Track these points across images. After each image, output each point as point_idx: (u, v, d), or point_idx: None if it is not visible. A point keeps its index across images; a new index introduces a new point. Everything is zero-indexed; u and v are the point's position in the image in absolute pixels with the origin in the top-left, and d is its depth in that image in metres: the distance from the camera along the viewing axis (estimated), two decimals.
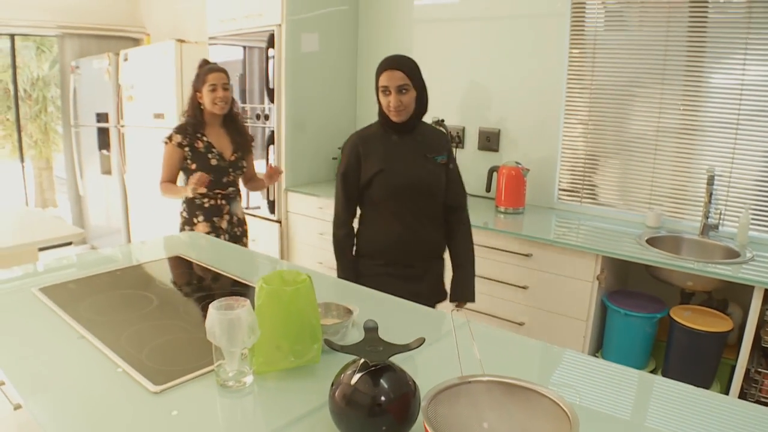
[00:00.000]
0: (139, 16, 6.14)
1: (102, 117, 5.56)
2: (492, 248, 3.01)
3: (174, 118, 4.55)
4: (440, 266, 2.45)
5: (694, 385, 2.63)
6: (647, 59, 3.13)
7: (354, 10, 4.18)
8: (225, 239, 2.94)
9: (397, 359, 1.07)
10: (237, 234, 3.06)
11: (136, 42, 6.13)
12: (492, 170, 3.54)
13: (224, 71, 2.87)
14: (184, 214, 2.98)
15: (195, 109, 2.88)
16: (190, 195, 2.79)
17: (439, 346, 1.50)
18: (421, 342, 1.07)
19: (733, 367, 2.52)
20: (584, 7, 3.31)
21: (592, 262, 2.72)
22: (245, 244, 3.14)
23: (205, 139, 2.89)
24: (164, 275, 2.04)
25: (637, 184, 3.30)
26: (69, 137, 6.16)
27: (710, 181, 2.91)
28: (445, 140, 2.38)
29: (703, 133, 3.02)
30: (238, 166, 2.99)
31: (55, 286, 1.85)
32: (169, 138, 2.87)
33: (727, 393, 2.54)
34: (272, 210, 3.94)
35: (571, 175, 3.52)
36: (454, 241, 2.42)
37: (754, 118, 2.88)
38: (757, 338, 2.44)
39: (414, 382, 1.06)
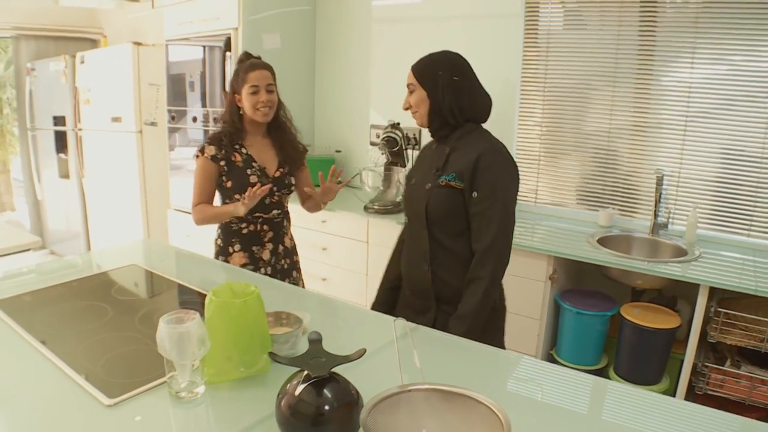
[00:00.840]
0: (97, 16, 6.06)
1: (59, 120, 5.48)
2: None
3: (132, 121, 4.51)
4: (445, 311, 1.96)
5: (645, 380, 2.73)
6: (599, 60, 3.21)
7: (312, 9, 4.19)
8: (266, 273, 2.43)
9: (342, 368, 1.10)
10: (284, 267, 2.52)
11: (93, 43, 6.05)
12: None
13: (269, 68, 2.37)
14: (219, 241, 2.47)
15: (233, 114, 2.38)
16: (241, 213, 2.22)
17: (385, 353, 1.52)
18: (361, 353, 1.11)
19: (682, 361, 2.61)
20: (538, 9, 3.37)
21: (544, 263, 2.79)
22: (297, 280, 2.60)
23: (244, 151, 2.38)
24: (121, 285, 2.04)
25: (589, 183, 3.38)
26: (26, 140, 6.06)
27: (659, 181, 2.99)
28: (475, 160, 1.81)
29: (653, 133, 3.12)
30: (285, 183, 2.45)
31: (9, 299, 1.83)
32: (201, 150, 2.36)
33: (676, 386, 2.63)
34: None
35: (526, 175, 3.58)
36: (463, 297, 1.88)
37: (701, 119, 2.98)
38: (704, 334, 2.53)
39: (357, 392, 1.09)
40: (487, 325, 1.88)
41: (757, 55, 2.83)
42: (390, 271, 2.24)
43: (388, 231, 3.30)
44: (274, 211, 2.44)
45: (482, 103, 1.96)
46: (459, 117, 1.89)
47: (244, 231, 2.41)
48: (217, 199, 2.45)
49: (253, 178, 2.35)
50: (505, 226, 1.82)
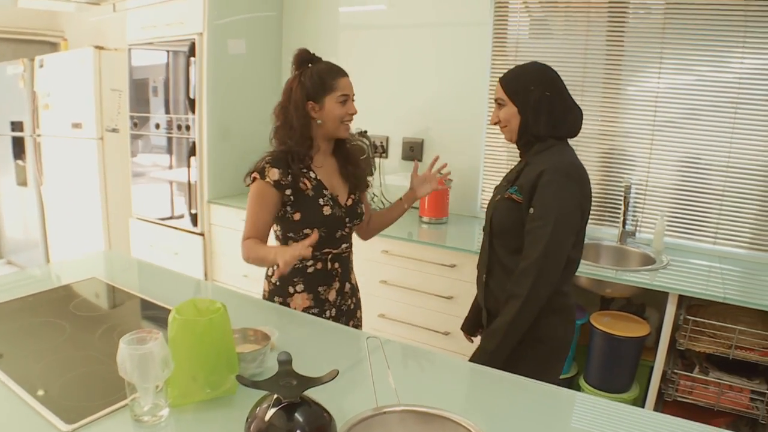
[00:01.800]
0: (58, 19, 5.90)
1: (17, 125, 5.31)
2: (417, 260, 3.02)
3: (93, 128, 4.38)
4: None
5: (615, 388, 2.73)
6: (567, 68, 3.21)
7: (278, 15, 4.14)
8: (330, 316, 2.08)
9: (313, 390, 1.05)
10: (350, 308, 2.17)
11: (53, 47, 5.89)
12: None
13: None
14: (275, 280, 2.08)
15: (305, 127, 1.94)
16: (291, 259, 1.69)
17: (358, 371, 1.48)
18: (334, 375, 1.06)
19: (652, 369, 2.61)
20: (506, 17, 3.37)
21: None
22: (360, 320, 2.27)
23: (312, 175, 1.97)
24: (80, 300, 1.95)
25: None
26: None
27: (627, 189, 3.01)
28: (537, 175, 1.74)
29: (620, 141, 3.13)
30: (357, 213, 2.09)
31: None
32: (261, 173, 1.90)
33: (646, 394, 2.63)
34: (195, 222, 3.85)
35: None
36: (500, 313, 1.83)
37: (668, 128, 3.01)
38: (673, 341, 2.54)
39: (329, 415, 1.04)
40: (531, 356, 1.81)
41: (722, 66, 2.86)
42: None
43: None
44: (344, 245, 2.08)
45: (573, 119, 1.86)
46: (548, 133, 1.81)
47: (310, 270, 2.02)
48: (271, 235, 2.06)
49: (327, 210, 1.97)
50: (553, 247, 1.72)
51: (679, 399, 2.58)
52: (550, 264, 1.73)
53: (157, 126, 3.96)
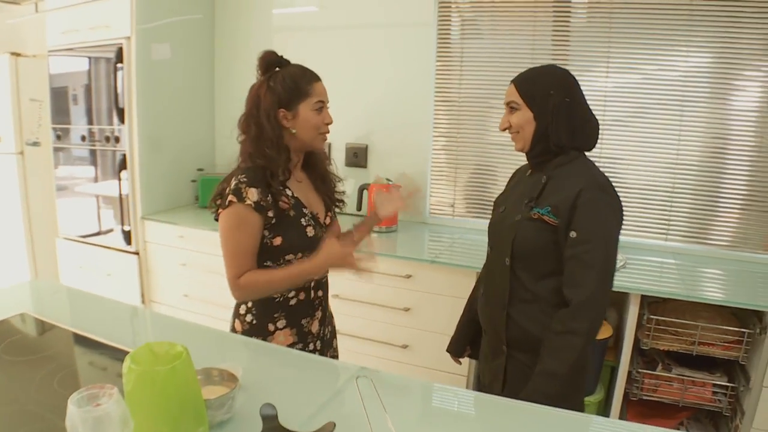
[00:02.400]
0: None
1: None
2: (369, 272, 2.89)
3: (12, 142, 4.06)
4: (517, 359, 1.75)
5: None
6: (515, 69, 3.11)
7: (210, 18, 3.93)
8: (315, 349, 1.89)
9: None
10: (327, 337, 1.97)
11: None
12: (362, 188, 3.44)
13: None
14: (249, 318, 1.82)
15: (279, 138, 1.72)
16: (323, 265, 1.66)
17: (350, 414, 1.32)
18: (331, 429, 0.92)
19: (614, 369, 2.60)
20: (450, 18, 3.29)
21: (473, 280, 2.67)
22: (336, 350, 2.08)
23: (289, 193, 1.76)
24: (9, 342, 1.69)
25: None
26: None
27: None
28: (575, 195, 1.58)
29: None
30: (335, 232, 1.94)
31: None
32: (237, 195, 1.66)
33: (611, 394, 2.60)
34: (128, 241, 3.59)
35: (442, 188, 3.50)
36: (543, 347, 1.63)
37: (616, 126, 3.01)
38: (636, 340, 2.51)
39: None
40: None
41: (667, 65, 2.89)
42: (470, 304, 2.06)
43: None
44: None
45: (591, 129, 1.72)
46: (567, 143, 1.66)
47: (293, 302, 1.80)
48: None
49: (310, 231, 1.76)
50: (606, 273, 1.59)
51: (644, 397, 2.57)
52: (606, 292, 1.61)
53: (83, 138, 3.70)
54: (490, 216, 3.29)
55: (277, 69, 1.75)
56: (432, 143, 3.46)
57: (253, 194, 1.64)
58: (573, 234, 1.58)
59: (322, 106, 1.75)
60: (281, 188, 1.72)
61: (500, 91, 3.20)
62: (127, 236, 3.58)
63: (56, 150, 3.91)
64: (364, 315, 2.93)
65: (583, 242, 1.56)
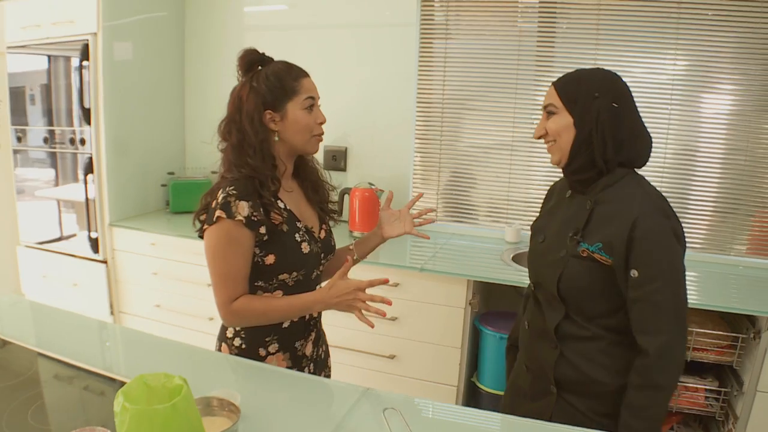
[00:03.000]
0: None
1: None
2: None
3: None
4: (567, 401, 1.58)
5: None
6: (500, 72, 3.12)
7: (180, 16, 3.77)
8: (309, 371, 1.74)
9: None
10: (321, 357, 1.82)
11: None
12: (343, 193, 3.34)
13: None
14: (238, 342, 1.66)
15: (264, 144, 1.55)
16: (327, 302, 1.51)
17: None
18: None
19: None
20: (433, 18, 3.21)
21: (463, 288, 2.61)
22: (330, 370, 1.93)
23: (282, 205, 1.60)
24: None
25: (493, 198, 3.27)
26: None
27: None
28: (630, 226, 1.40)
29: None
30: (331, 246, 1.76)
31: None
32: (226, 210, 1.49)
33: None
34: (95, 248, 3.41)
35: (425, 192, 3.41)
36: (623, 404, 1.46)
37: None
38: None
39: None
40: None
41: (655, 68, 2.87)
42: (513, 332, 1.87)
43: None
44: (318, 287, 1.73)
45: (642, 143, 1.52)
46: (612, 157, 1.45)
47: (286, 324, 1.64)
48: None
49: (305, 247, 1.59)
50: (681, 312, 1.43)
51: None
52: (684, 333, 1.46)
53: (46, 140, 3.50)
54: (473, 222, 3.30)
55: (260, 68, 1.60)
56: (414, 146, 3.37)
57: (243, 208, 1.49)
58: (634, 273, 1.39)
59: (312, 103, 1.59)
60: (273, 200, 1.55)
61: (486, 94, 3.16)
62: (95, 244, 3.40)
63: (16, 153, 3.71)
64: (351, 325, 2.82)
65: (649, 282, 1.39)
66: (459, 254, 2.97)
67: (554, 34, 3.00)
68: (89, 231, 3.42)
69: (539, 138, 1.57)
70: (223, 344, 1.69)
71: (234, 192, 1.50)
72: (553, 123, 1.50)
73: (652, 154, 2.83)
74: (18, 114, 3.64)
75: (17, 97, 3.66)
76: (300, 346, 1.69)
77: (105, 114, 3.25)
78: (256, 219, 1.50)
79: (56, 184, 3.60)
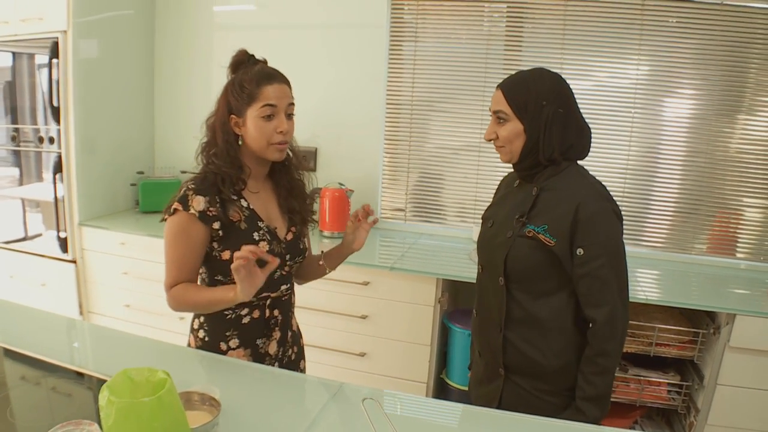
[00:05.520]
0: None
1: None
2: (326, 278, 2.79)
3: None
4: (515, 383, 1.66)
5: None
6: (468, 74, 3.17)
7: (150, 14, 3.74)
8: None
9: None
10: (291, 359, 1.81)
11: None
12: (314, 192, 3.34)
13: (288, 82, 1.66)
14: (202, 334, 1.69)
15: (230, 147, 1.59)
16: (247, 298, 1.43)
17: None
18: None
19: None
20: (402, 20, 3.25)
21: (432, 286, 2.65)
22: (303, 370, 1.91)
23: (244, 203, 1.63)
24: None
25: (461, 198, 3.32)
26: None
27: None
28: (574, 210, 1.49)
29: None
30: (300, 249, 1.75)
31: None
32: (183, 202, 1.54)
33: None
34: (64, 248, 3.37)
35: (394, 193, 3.45)
36: (579, 373, 1.56)
37: None
38: None
39: None
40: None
41: (619, 72, 2.95)
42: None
43: None
44: (283, 287, 1.72)
45: (585, 138, 1.61)
46: (557, 157, 1.54)
47: (246, 320, 1.66)
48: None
49: (264, 246, 1.60)
50: (623, 286, 1.54)
51: None
52: (626, 303, 1.55)
53: (14, 138, 3.46)
54: (442, 222, 3.34)
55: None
56: (383, 146, 3.41)
57: (198, 203, 1.53)
58: (580, 251, 1.49)
59: (271, 112, 1.56)
60: (235, 198, 1.59)
61: (454, 96, 3.21)
62: (63, 243, 3.36)
63: None
64: (321, 323, 2.85)
65: (594, 258, 1.49)
66: (428, 253, 3.01)
67: (521, 38, 3.06)
68: (58, 230, 3.38)
69: (489, 141, 1.65)
70: (191, 335, 1.73)
71: (193, 186, 1.56)
72: (505, 130, 1.58)
73: (614, 156, 2.94)
74: None
75: None
76: (262, 344, 1.70)
77: (75, 112, 3.21)
78: (210, 214, 1.54)
79: (20, 183, 3.55)
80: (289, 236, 1.72)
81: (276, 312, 1.71)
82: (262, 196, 1.68)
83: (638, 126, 2.96)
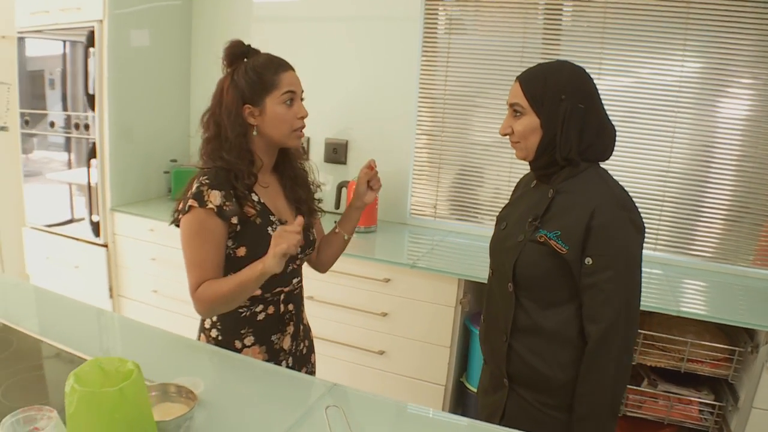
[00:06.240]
0: None
1: None
2: (347, 274, 2.76)
3: None
4: (519, 395, 1.58)
5: None
6: (504, 68, 3.07)
7: (187, 5, 3.77)
8: (288, 366, 1.74)
9: None
10: (303, 352, 1.81)
11: None
12: (341, 186, 3.31)
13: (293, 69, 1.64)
14: (215, 333, 1.67)
15: (242, 139, 1.56)
16: (278, 269, 1.40)
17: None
18: None
19: None
20: (437, 13, 3.18)
21: (454, 286, 2.58)
22: (314, 365, 1.91)
23: (255, 198, 1.60)
24: None
25: (492, 195, 3.23)
26: None
27: None
28: (588, 216, 1.39)
29: None
30: (309, 241, 1.72)
31: None
32: (198, 199, 1.50)
33: None
34: (97, 232, 3.44)
35: (425, 188, 3.39)
36: (580, 392, 1.47)
37: None
38: None
39: None
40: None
41: (661, 69, 2.80)
42: None
43: None
44: (294, 281, 1.71)
45: (608, 138, 1.51)
46: (575, 157, 1.44)
47: (261, 316, 1.65)
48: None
49: None
50: (630, 302, 1.42)
51: (628, 414, 2.47)
52: (631, 323, 1.43)
53: (52, 124, 3.54)
54: (473, 219, 3.25)
55: (245, 60, 1.59)
56: (415, 141, 3.35)
57: (215, 198, 1.49)
58: (588, 261, 1.39)
59: (292, 97, 1.56)
60: (247, 192, 1.55)
61: (488, 90, 3.12)
62: (96, 228, 3.43)
63: (24, 137, 3.74)
64: (339, 319, 2.81)
65: (602, 270, 1.39)
66: (454, 252, 2.94)
67: (560, 32, 2.95)
68: (91, 215, 3.44)
69: (504, 135, 1.55)
70: (202, 335, 1.71)
71: (207, 182, 1.51)
72: (520, 125, 1.48)
73: (654, 157, 2.79)
74: (35, 99, 3.67)
75: (34, 82, 3.70)
76: (277, 340, 1.68)
77: (109, 100, 3.27)
78: (228, 209, 1.50)
79: (66, 168, 3.63)
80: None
81: (290, 306, 1.71)
82: (271, 190, 1.66)
83: (681, 126, 2.80)
